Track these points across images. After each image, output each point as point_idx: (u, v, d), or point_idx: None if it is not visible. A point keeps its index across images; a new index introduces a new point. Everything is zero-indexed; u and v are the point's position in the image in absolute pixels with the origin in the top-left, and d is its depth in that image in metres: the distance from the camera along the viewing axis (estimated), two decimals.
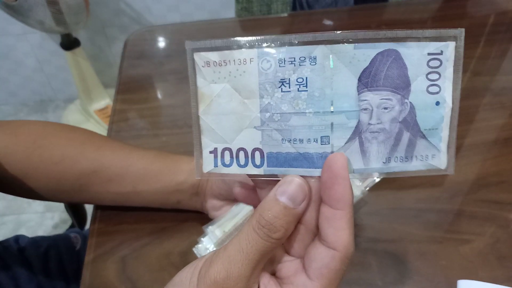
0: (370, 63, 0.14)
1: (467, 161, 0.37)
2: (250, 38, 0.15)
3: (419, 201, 0.33)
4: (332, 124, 0.15)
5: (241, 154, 0.16)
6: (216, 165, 0.16)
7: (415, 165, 0.15)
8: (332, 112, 0.15)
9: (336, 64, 0.15)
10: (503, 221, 0.32)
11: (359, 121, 0.15)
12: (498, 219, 0.32)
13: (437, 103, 0.15)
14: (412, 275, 0.29)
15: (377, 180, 0.33)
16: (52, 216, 1.00)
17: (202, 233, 0.30)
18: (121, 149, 0.31)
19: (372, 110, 0.15)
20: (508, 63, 0.48)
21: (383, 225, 0.32)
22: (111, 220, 0.33)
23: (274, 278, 0.16)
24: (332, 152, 0.15)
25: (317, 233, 0.15)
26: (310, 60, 0.15)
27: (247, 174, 0.16)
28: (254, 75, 0.15)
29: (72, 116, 1.15)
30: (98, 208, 0.34)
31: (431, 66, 0.15)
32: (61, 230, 0.96)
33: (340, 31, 0.14)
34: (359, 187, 0.32)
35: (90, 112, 1.11)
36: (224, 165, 0.16)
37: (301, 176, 0.15)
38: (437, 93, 0.15)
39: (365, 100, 0.15)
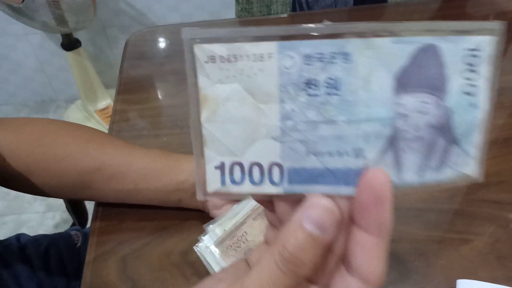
0: (408, 61, 0.12)
1: None
2: (268, 27, 0.12)
3: (418, 201, 0.33)
4: (366, 133, 0.13)
5: (255, 169, 0.13)
6: (223, 183, 0.13)
7: (447, 175, 0.13)
8: (367, 119, 0.13)
9: (372, 62, 0.12)
10: (503, 221, 0.32)
11: (394, 129, 0.13)
12: (497, 219, 0.32)
13: (472, 105, 0.13)
14: (411, 274, 0.29)
15: None
16: (53, 215, 1.00)
17: (203, 232, 0.30)
18: (123, 147, 0.31)
19: (409, 115, 0.13)
20: (507, 63, 0.48)
21: None
22: (112, 219, 0.33)
23: None
24: (366, 166, 0.13)
25: (343, 258, 0.13)
26: (343, 56, 0.12)
27: (263, 194, 0.14)
28: (273, 74, 0.12)
29: (73, 116, 1.15)
30: (99, 207, 0.34)
31: (468, 63, 0.13)
32: (62, 230, 0.96)
33: (377, 22, 0.12)
34: None
35: (91, 112, 1.11)
36: (234, 182, 0.13)
37: (329, 195, 0.13)
38: (472, 93, 0.13)
39: (402, 104, 0.13)
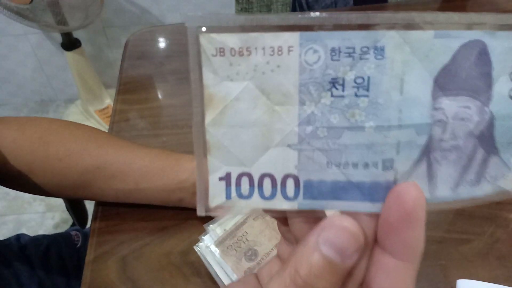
0: (451, 59, 0.11)
1: None
2: (289, 15, 0.10)
3: None
4: (398, 142, 0.11)
5: (266, 181, 0.12)
6: (229, 197, 0.12)
7: (484, 189, 0.12)
8: (399, 125, 0.11)
9: (408, 59, 0.11)
10: (503, 220, 0.32)
11: (430, 137, 0.11)
12: (497, 219, 0.32)
13: None
14: None
15: None
16: (52, 216, 1.00)
17: (202, 232, 0.30)
18: (124, 147, 0.31)
19: (447, 122, 0.11)
20: None
21: None
22: (112, 219, 0.33)
23: None
24: (395, 180, 0.11)
25: (363, 284, 0.12)
26: (376, 51, 0.10)
27: (274, 210, 0.12)
28: (293, 71, 0.11)
29: (73, 116, 1.15)
30: (99, 207, 0.34)
31: None
32: (61, 230, 0.96)
33: (417, 12, 0.10)
34: None
35: (91, 112, 1.11)
36: (241, 196, 0.12)
37: (350, 213, 0.11)
38: None
39: (440, 108, 0.11)
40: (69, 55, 1.02)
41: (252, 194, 0.12)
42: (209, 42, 0.11)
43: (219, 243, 0.29)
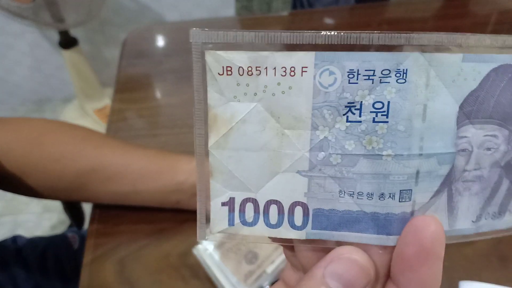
0: (480, 84, 0.10)
1: None
2: (304, 33, 0.10)
3: None
4: (418, 172, 0.10)
5: (273, 209, 0.11)
6: (232, 223, 0.11)
7: (506, 221, 0.11)
8: (420, 155, 0.10)
9: (433, 83, 0.10)
10: None
11: (452, 167, 0.10)
12: None
13: None
14: None
15: None
16: (49, 217, 1.00)
17: None
18: (120, 148, 0.31)
19: (472, 151, 0.10)
20: None
21: None
22: (110, 221, 0.33)
23: None
24: (413, 211, 0.10)
25: None
26: (398, 75, 0.10)
27: (279, 239, 0.11)
28: (307, 93, 0.10)
29: (70, 115, 1.14)
30: (96, 208, 0.34)
31: None
32: (59, 231, 0.96)
33: (444, 33, 0.09)
34: None
35: (89, 112, 1.10)
36: (245, 223, 0.11)
37: (361, 245, 0.10)
38: None
39: (465, 137, 0.10)
40: (67, 53, 1.01)
41: (257, 221, 0.11)
42: (215, 60, 0.10)
43: (219, 245, 0.28)
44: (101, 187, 0.30)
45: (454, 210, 0.11)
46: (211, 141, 0.11)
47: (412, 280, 0.10)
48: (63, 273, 0.40)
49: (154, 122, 0.43)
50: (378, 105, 0.10)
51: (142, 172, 0.30)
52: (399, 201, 0.10)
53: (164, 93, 0.47)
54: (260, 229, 0.11)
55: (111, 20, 1.16)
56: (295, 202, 0.11)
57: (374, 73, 0.10)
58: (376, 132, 0.10)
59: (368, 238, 0.11)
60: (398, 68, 0.10)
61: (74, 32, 1.02)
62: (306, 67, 0.10)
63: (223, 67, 0.10)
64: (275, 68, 0.10)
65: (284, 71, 0.10)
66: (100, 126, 1.08)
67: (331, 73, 0.10)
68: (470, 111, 0.10)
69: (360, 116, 0.10)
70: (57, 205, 0.96)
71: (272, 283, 0.26)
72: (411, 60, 0.10)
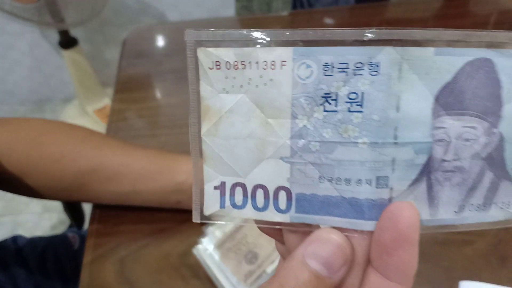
0: (454, 77, 0.10)
1: None
2: (283, 31, 0.11)
3: None
4: (393, 160, 0.11)
5: (259, 193, 0.12)
6: (223, 206, 0.12)
7: (493, 215, 0.11)
8: (395, 143, 0.11)
9: (407, 76, 0.10)
10: None
11: (430, 157, 0.11)
12: None
13: None
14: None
15: None
16: (50, 217, 1.00)
17: (201, 234, 0.30)
18: (120, 148, 0.31)
19: (450, 142, 0.11)
20: None
21: None
22: (110, 221, 0.33)
23: None
24: (390, 198, 0.11)
25: None
26: (371, 67, 0.10)
27: (266, 221, 0.12)
28: (286, 85, 0.11)
29: (70, 115, 1.14)
30: (96, 208, 0.34)
31: None
32: (59, 231, 0.96)
33: (416, 29, 0.10)
34: None
35: (89, 112, 1.10)
36: (235, 206, 0.12)
37: (342, 229, 0.11)
38: None
39: (442, 127, 0.11)
40: (67, 53, 1.01)
41: (245, 205, 0.12)
42: (206, 56, 0.11)
43: (219, 245, 0.28)
44: (101, 187, 0.30)
45: (435, 200, 0.11)
46: (204, 129, 0.12)
47: (389, 264, 0.10)
48: (63, 273, 0.40)
49: (154, 122, 0.43)
50: (353, 96, 0.11)
51: (142, 172, 0.30)
52: (376, 187, 0.11)
53: (164, 93, 0.47)
54: (248, 212, 0.12)
55: (111, 20, 1.16)
56: (279, 186, 0.12)
57: (347, 66, 0.10)
58: (351, 121, 0.11)
59: (347, 223, 0.11)
60: (371, 61, 0.10)
61: (74, 32, 1.02)
62: (285, 61, 0.11)
63: (213, 62, 0.11)
64: (257, 62, 0.11)
65: (266, 65, 0.11)
66: (100, 126, 1.08)
67: (308, 66, 0.11)
68: (446, 102, 0.11)
69: (336, 106, 0.11)
70: (57, 205, 0.96)
71: None
72: (384, 53, 0.10)
